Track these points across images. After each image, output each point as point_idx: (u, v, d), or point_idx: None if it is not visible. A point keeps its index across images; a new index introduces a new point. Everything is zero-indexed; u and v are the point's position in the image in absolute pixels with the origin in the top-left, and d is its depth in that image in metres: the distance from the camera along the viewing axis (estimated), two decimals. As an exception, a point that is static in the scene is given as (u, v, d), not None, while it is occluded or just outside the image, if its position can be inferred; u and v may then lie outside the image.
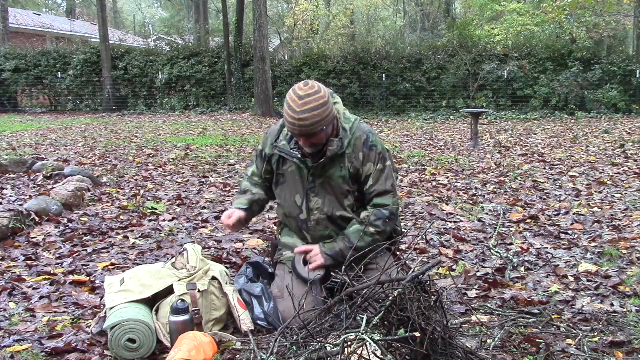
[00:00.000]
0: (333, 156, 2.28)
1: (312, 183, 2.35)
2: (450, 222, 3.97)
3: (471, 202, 4.63)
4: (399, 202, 2.36)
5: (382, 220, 2.31)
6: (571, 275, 2.81)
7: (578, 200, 4.57)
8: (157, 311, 2.17)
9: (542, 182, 5.40)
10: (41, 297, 2.59)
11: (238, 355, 2.02)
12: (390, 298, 1.65)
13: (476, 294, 2.59)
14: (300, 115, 2.12)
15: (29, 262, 3.09)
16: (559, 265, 2.98)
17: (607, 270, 2.85)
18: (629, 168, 6.06)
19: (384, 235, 2.32)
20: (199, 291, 2.19)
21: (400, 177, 5.77)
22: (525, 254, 3.18)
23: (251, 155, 2.80)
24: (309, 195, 2.36)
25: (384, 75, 15.89)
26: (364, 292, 1.77)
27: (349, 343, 1.59)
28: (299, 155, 2.32)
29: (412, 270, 1.96)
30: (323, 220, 2.37)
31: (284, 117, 2.20)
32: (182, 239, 3.57)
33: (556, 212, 4.18)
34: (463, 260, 3.10)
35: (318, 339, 1.74)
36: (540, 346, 2.01)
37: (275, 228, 3.16)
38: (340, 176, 2.32)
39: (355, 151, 2.32)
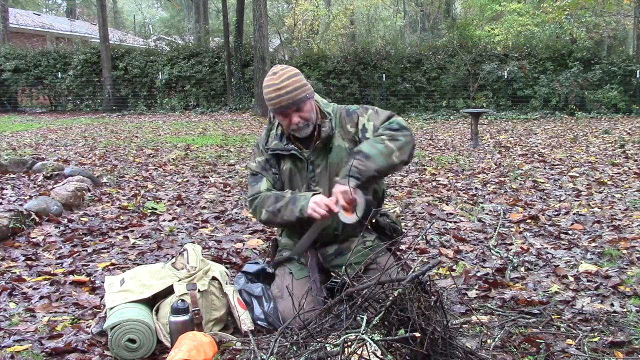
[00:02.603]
0: (327, 137, 2.31)
1: (312, 172, 2.36)
2: (450, 222, 3.97)
3: (471, 202, 4.63)
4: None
5: (391, 131, 2.22)
6: (571, 275, 2.81)
7: (578, 200, 4.57)
8: (157, 311, 2.16)
9: (542, 182, 5.40)
10: (41, 297, 2.59)
11: (238, 355, 2.02)
12: (390, 298, 1.65)
13: (476, 294, 2.59)
14: (281, 84, 2.18)
15: (29, 262, 3.09)
16: (559, 265, 2.98)
17: (607, 270, 2.85)
18: (629, 168, 6.05)
19: (398, 146, 2.18)
20: (199, 291, 2.19)
21: (400, 177, 5.77)
22: (525, 254, 3.18)
23: (248, 177, 2.69)
24: (309, 186, 2.36)
25: (384, 75, 15.89)
26: (364, 292, 1.77)
27: (349, 343, 1.59)
28: (295, 147, 2.34)
29: (412, 270, 1.96)
30: None
31: (266, 99, 2.24)
32: (182, 239, 3.57)
33: (556, 212, 4.18)
34: (463, 260, 3.10)
35: (318, 339, 1.74)
36: (540, 346, 2.01)
37: (275, 228, 3.16)
38: (338, 156, 2.34)
39: (343, 125, 2.36)
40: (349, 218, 2.18)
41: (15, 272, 2.93)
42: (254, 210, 2.41)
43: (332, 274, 2.45)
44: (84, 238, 3.59)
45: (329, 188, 2.33)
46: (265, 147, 2.41)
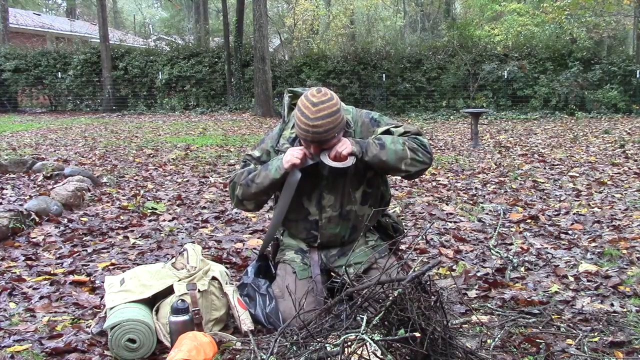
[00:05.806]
0: None
1: (326, 180, 2.32)
2: (450, 222, 3.97)
3: (471, 202, 4.63)
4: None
5: (417, 145, 2.25)
6: (571, 275, 2.81)
7: (578, 200, 4.57)
8: (157, 311, 2.17)
9: (542, 182, 5.40)
10: (41, 297, 2.59)
11: (238, 355, 2.02)
12: (390, 298, 1.65)
13: (476, 294, 2.59)
14: (314, 122, 2.08)
15: (29, 262, 3.09)
16: (559, 265, 2.98)
17: (607, 270, 2.85)
18: (629, 168, 6.06)
19: (413, 157, 2.22)
20: (199, 291, 2.19)
21: (400, 177, 5.77)
22: (525, 254, 3.18)
23: (241, 163, 2.64)
24: (322, 194, 2.33)
25: (384, 75, 15.89)
26: (364, 292, 1.77)
27: (349, 343, 1.59)
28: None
29: (412, 270, 1.96)
30: (335, 218, 2.35)
31: (296, 123, 2.15)
32: (182, 239, 3.57)
33: (556, 212, 4.18)
34: (463, 260, 3.10)
35: (318, 339, 1.74)
36: (540, 346, 2.01)
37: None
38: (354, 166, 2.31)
39: (365, 134, 2.32)
40: (332, 162, 2.17)
41: (15, 272, 2.93)
42: (231, 190, 2.39)
43: (332, 274, 2.44)
44: (84, 238, 3.59)
45: (342, 197, 2.32)
46: (277, 149, 2.34)
